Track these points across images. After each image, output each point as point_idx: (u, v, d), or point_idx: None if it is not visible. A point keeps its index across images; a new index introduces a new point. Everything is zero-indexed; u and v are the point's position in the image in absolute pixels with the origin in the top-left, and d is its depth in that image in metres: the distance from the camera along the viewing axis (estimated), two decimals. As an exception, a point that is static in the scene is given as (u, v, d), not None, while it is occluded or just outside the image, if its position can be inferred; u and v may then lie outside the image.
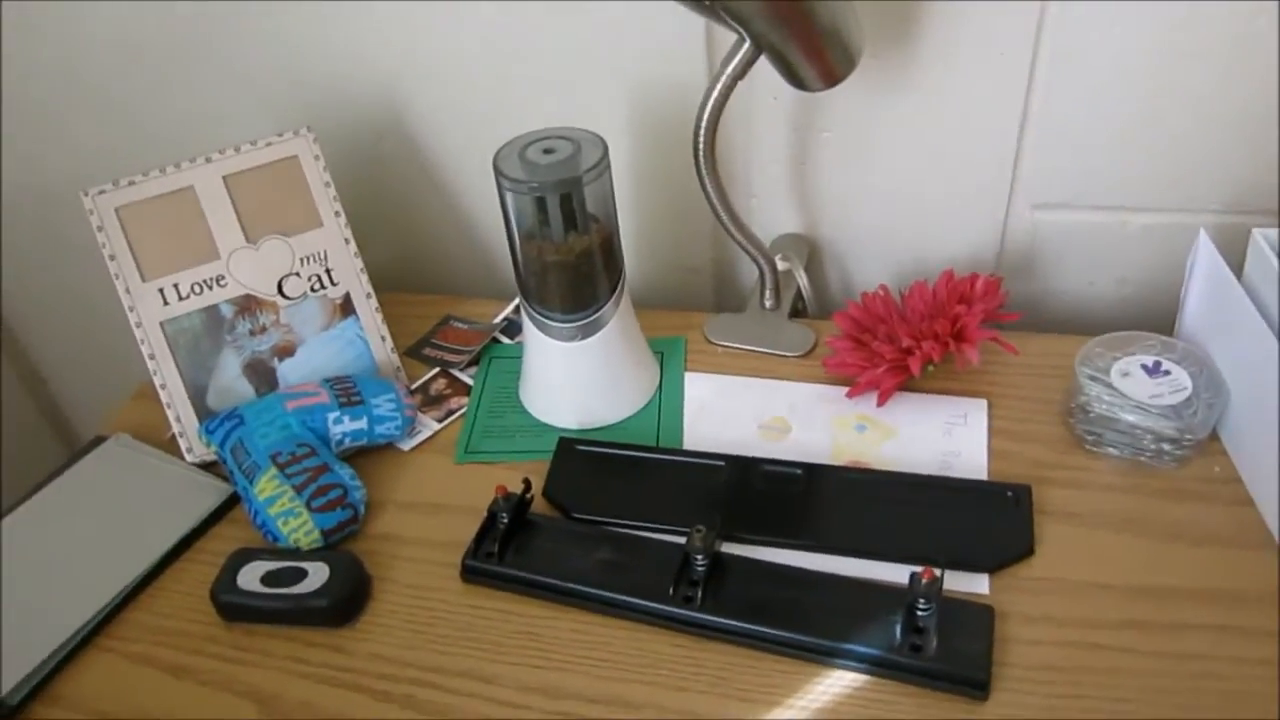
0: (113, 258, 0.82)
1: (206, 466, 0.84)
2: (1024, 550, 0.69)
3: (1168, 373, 0.75)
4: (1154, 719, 0.60)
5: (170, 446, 0.85)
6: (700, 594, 0.67)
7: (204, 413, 0.84)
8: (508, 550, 0.72)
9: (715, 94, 0.71)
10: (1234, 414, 0.74)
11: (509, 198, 0.74)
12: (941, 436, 0.78)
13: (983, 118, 0.85)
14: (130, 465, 0.83)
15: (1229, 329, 0.74)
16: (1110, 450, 0.75)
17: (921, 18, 0.81)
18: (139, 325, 0.83)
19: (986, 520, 0.71)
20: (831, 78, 0.72)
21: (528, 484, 0.74)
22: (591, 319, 0.78)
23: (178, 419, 0.83)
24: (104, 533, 0.77)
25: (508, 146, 0.75)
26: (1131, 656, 0.64)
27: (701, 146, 0.74)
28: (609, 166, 0.73)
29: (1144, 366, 0.76)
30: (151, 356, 0.83)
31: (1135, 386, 0.74)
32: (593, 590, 0.69)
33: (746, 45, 0.68)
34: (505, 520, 0.72)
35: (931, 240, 0.93)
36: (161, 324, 0.83)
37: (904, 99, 0.85)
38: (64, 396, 1.30)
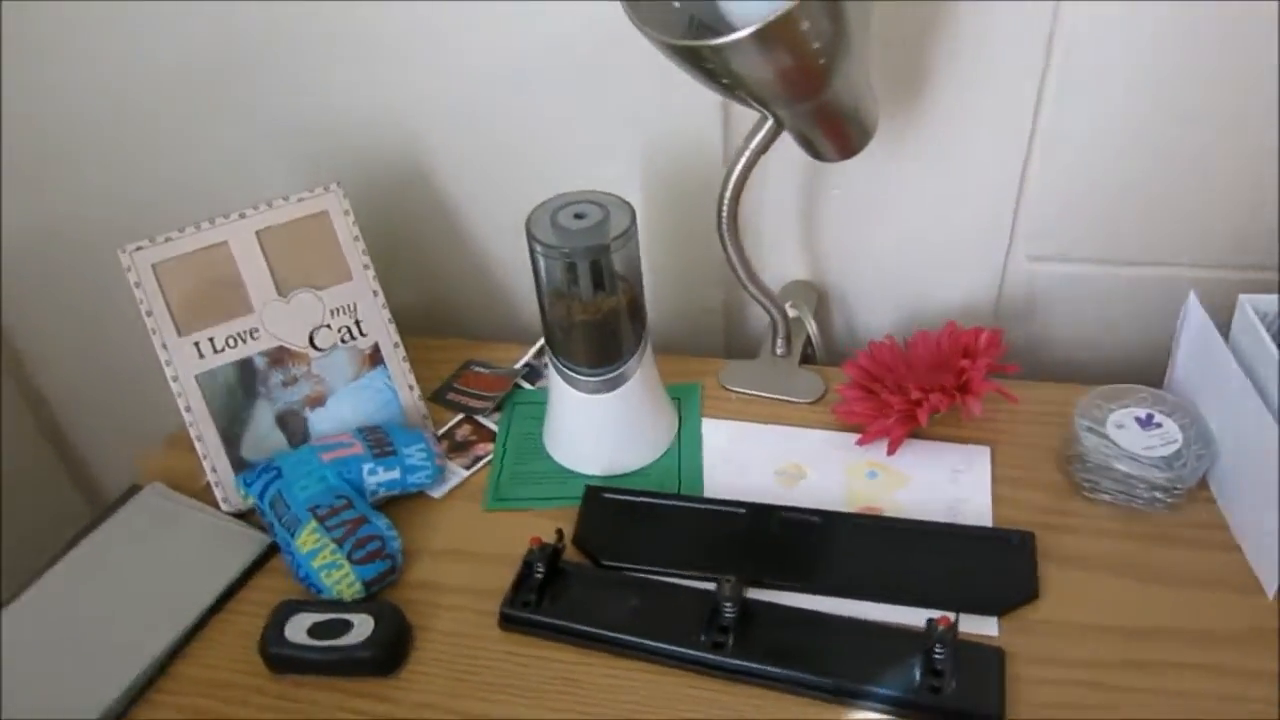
0: (150, 313, 0.85)
1: (241, 516, 0.86)
2: (1029, 594, 0.74)
3: (1159, 425, 0.80)
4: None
5: (204, 495, 0.88)
6: (731, 640, 0.71)
7: (238, 463, 0.87)
8: (544, 598, 0.75)
9: (739, 168, 0.75)
10: (1221, 465, 0.79)
11: (540, 261, 0.78)
12: (948, 484, 0.83)
13: (985, 176, 0.90)
14: (168, 516, 0.86)
15: (1216, 386, 0.79)
16: (1105, 497, 0.80)
17: (930, 85, 0.86)
18: (175, 379, 0.85)
19: (994, 565, 0.76)
20: (847, 152, 0.77)
21: (561, 534, 0.78)
22: (617, 373, 0.82)
23: (213, 469, 0.86)
24: (148, 584, 0.80)
25: (539, 209, 0.78)
26: (1132, 695, 0.68)
27: (725, 216, 0.78)
28: (636, 232, 0.77)
29: (1137, 419, 0.81)
30: (188, 409, 0.85)
31: (1129, 438, 0.79)
32: (628, 637, 0.73)
33: (769, 123, 0.72)
34: (541, 570, 0.76)
35: (933, 289, 0.97)
36: (197, 377, 0.86)
37: (911, 159, 0.89)
38: (83, 444, 1.31)
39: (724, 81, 0.67)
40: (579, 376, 0.82)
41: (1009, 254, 0.94)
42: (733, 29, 0.61)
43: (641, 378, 0.83)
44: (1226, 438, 0.79)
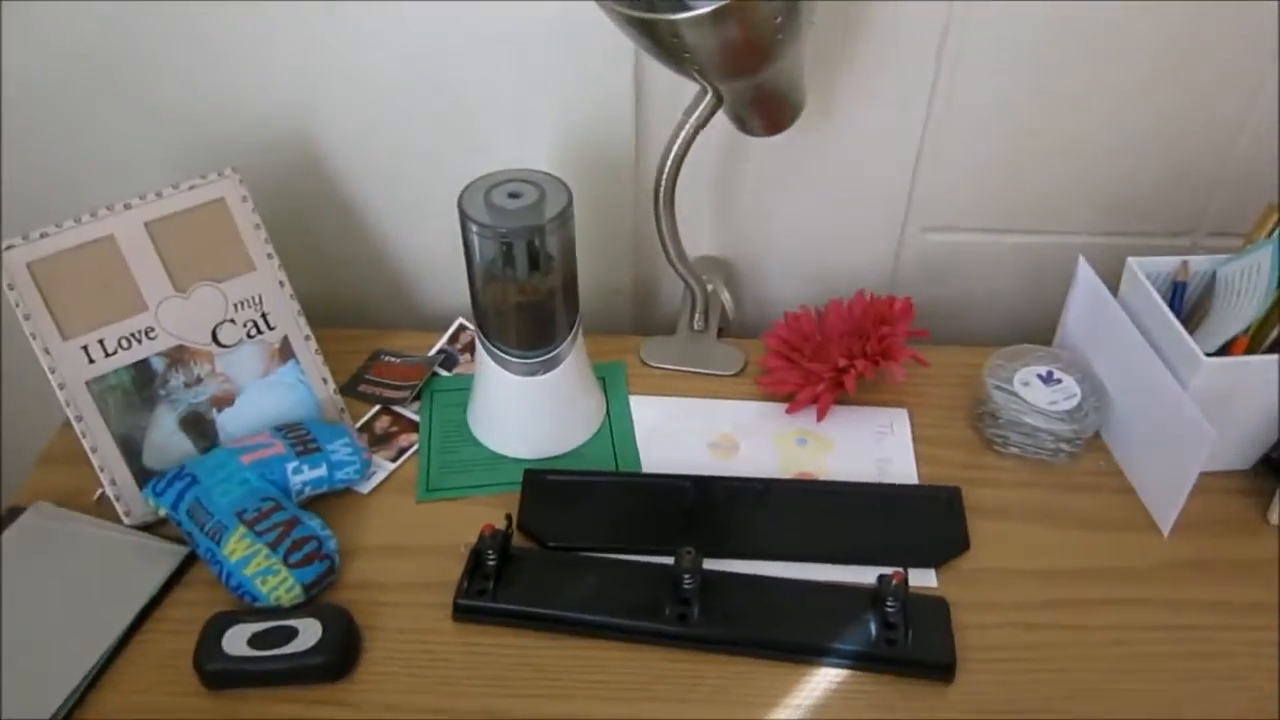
0: (28, 317, 0.77)
1: (146, 528, 0.80)
2: (961, 546, 0.79)
3: (1059, 381, 0.86)
4: (1086, 682, 0.70)
5: (98, 511, 0.81)
6: (696, 610, 0.72)
7: (140, 473, 0.80)
8: (498, 585, 0.74)
9: (679, 142, 0.76)
10: (1114, 415, 0.86)
11: (474, 241, 0.75)
12: (874, 445, 0.87)
13: (885, 152, 0.94)
14: (62, 536, 0.78)
15: (1107, 342, 0.86)
16: (1014, 450, 0.86)
17: (835, 65, 0.88)
18: (62, 387, 0.78)
19: (927, 521, 0.80)
20: (776, 129, 0.78)
21: (510, 519, 0.76)
22: (551, 355, 0.81)
23: (112, 482, 0.79)
24: (52, 613, 0.73)
25: (472, 188, 0.76)
26: (1059, 631, 0.74)
27: (663, 192, 0.78)
28: (573, 212, 0.76)
29: (1039, 376, 0.87)
30: (79, 418, 0.78)
31: (1035, 394, 0.85)
32: (591, 617, 0.72)
33: (709, 99, 0.73)
34: (494, 557, 0.74)
35: (837, 259, 1.01)
36: (88, 384, 0.78)
37: (819, 135, 0.92)
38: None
39: (677, 55, 0.67)
40: (512, 359, 0.81)
41: (905, 225, 0.98)
42: (689, 5, 0.61)
43: (574, 359, 0.83)
44: (1118, 389, 0.86)
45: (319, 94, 0.91)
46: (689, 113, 0.75)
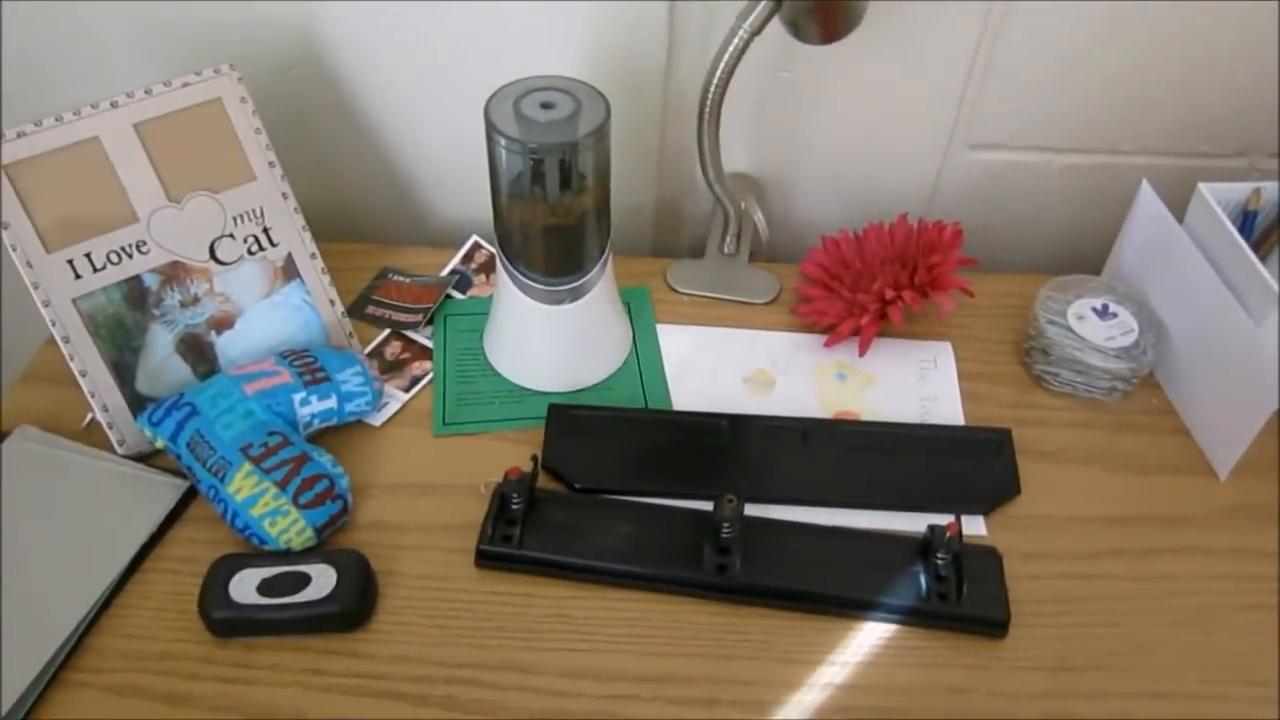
0: (6, 226, 0.69)
1: (141, 458, 0.74)
2: (1013, 491, 0.74)
3: (1115, 315, 0.81)
4: (1144, 636, 0.67)
5: (87, 438, 0.75)
6: (737, 561, 0.67)
7: (134, 399, 0.74)
8: (524, 531, 0.69)
9: (731, 49, 0.68)
10: (1170, 352, 0.81)
11: (501, 155, 0.68)
12: (916, 382, 0.82)
13: (935, 62, 0.86)
14: (50, 464, 0.73)
15: (1167, 273, 0.81)
16: (1066, 388, 0.81)
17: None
18: (47, 304, 0.71)
19: (975, 464, 0.76)
20: (832, 37, 0.71)
21: (536, 460, 0.71)
22: (580, 282, 0.74)
23: (104, 408, 0.73)
24: (43, 548, 0.68)
25: (499, 96, 0.68)
26: (1115, 583, 0.70)
27: (710, 104, 0.71)
28: (609, 127, 0.69)
29: (1094, 310, 0.81)
30: (66, 339, 0.72)
31: (1090, 329, 0.80)
32: (626, 567, 0.68)
33: (766, 1, 0.65)
34: (519, 501, 0.69)
35: (873, 179, 0.94)
36: (75, 301, 0.72)
37: (863, 43, 0.84)
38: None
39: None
40: (537, 285, 0.74)
41: (950, 143, 0.92)
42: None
43: (603, 286, 0.76)
44: (1176, 324, 0.81)
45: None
46: (743, 17, 0.67)
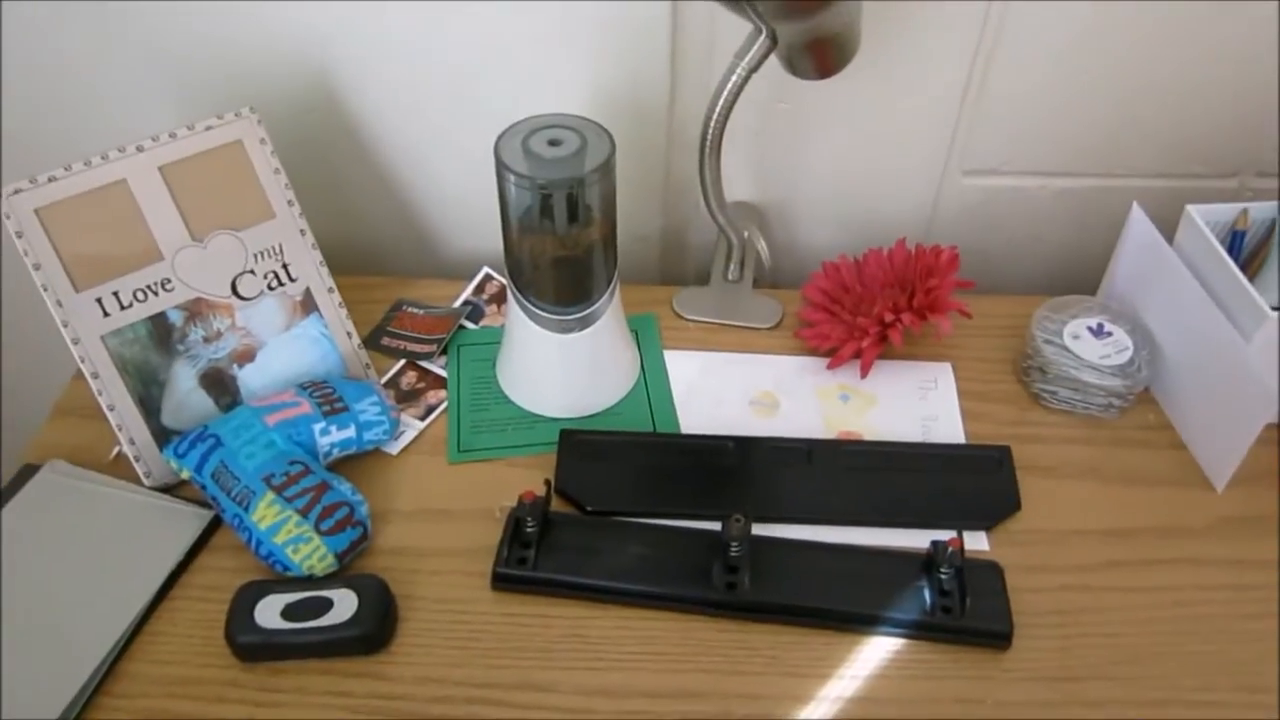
0: (38, 267, 0.72)
1: (167, 489, 0.77)
2: (1013, 507, 0.76)
3: (1110, 334, 0.83)
4: (1145, 646, 0.69)
5: (115, 470, 0.78)
6: (746, 579, 0.69)
7: (159, 432, 0.76)
8: (539, 554, 0.71)
9: (730, 86, 0.71)
10: (1165, 369, 0.83)
11: (511, 191, 0.71)
12: (918, 402, 0.84)
13: (930, 91, 0.89)
14: (80, 496, 0.75)
15: (1159, 292, 0.83)
16: (1063, 406, 0.83)
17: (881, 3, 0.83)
18: (76, 341, 0.73)
19: (976, 481, 0.78)
20: (827, 72, 0.74)
21: (549, 484, 0.73)
22: (589, 311, 0.77)
23: (131, 441, 0.76)
24: (76, 576, 0.70)
25: (508, 134, 0.71)
26: (1115, 594, 0.72)
27: (710, 137, 0.74)
28: (615, 162, 0.71)
29: (1089, 329, 0.84)
30: (95, 375, 0.74)
31: (1086, 348, 0.82)
32: (638, 586, 0.70)
33: (763, 40, 0.68)
34: (533, 524, 0.71)
35: (871, 205, 0.97)
36: (103, 338, 0.74)
37: (860, 75, 0.87)
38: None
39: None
40: (547, 315, 0.77)
41: (945, 170, 0.94)
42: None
43: (611, 315, 0.79)
44: (1170, 342, 0.83)
45: (336, 26, 0.85)
46: (740, 55, 0.70)
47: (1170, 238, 0.83)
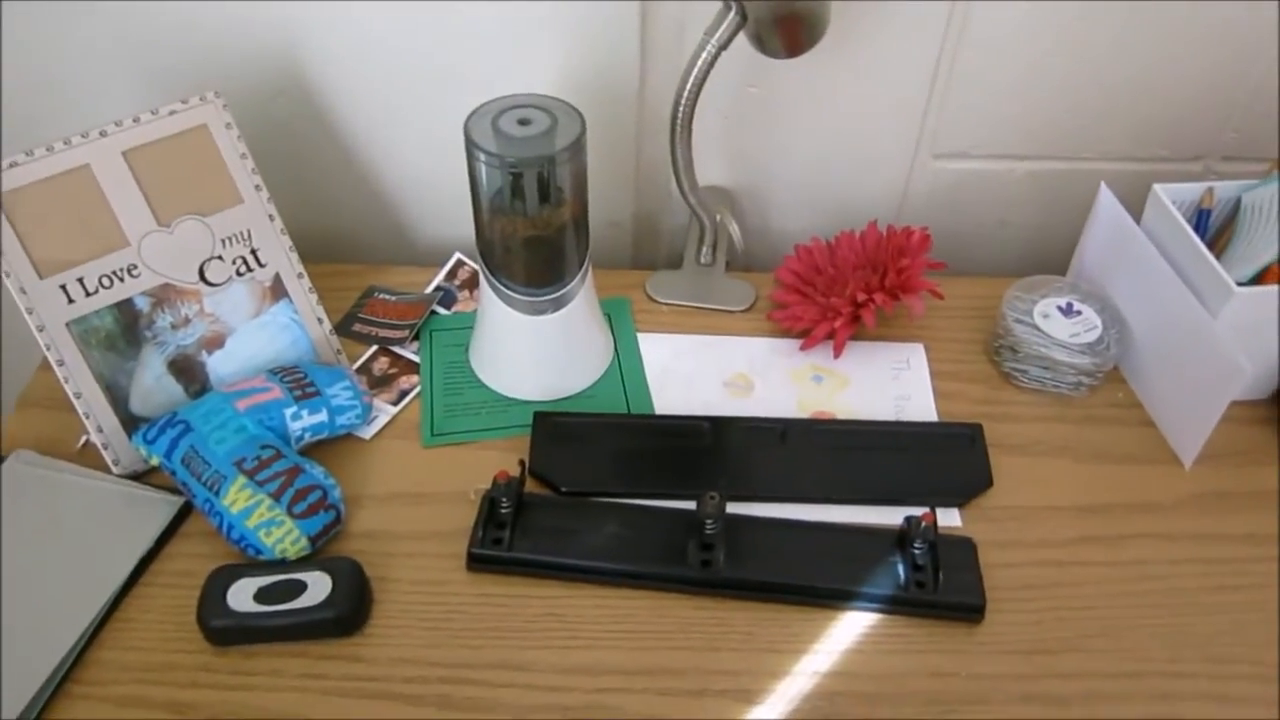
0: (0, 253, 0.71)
1: (136, 477, 0.76)
2: (985, 483, 0.77)
3: (1079, 313, 0.84)
4: (1116, 619, 0.69)
5: (81, 459, 0.77)
6: (721, 556, 0.69)
7: (128, 419, 0.76)
8: (514, 534, 0.71)
9: (699, 64, 0.71)
10: (1133, 347, 0.84)
11: (481, 171, 0.71)
12: (890, 382, 0.84)
13: (898, 76, 0.89)
14: (47, 486, 0.74)
15: (1128, 271, 0.84)
16: (1034, 384, 0.84)
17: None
18: (41, 329, 0.73)
19: (950, 459, 0.78)
20: (797, 50, 0.74)
21: (523, 465, 0.73)
22: (561, 293, 0.77)
23: (99, 429, 0.75)
24: (44, 565, 0.69)
25: (478, 114, 0.71)
26: (1086, 568, 0.73)
27: (680, 118, 0.74)
28: (585, 141, 0.71)
29: (1059, 308, 0.84)
30: (61, 362, 0.73)
31: (1056, 327, 0.83)
32: (613, 565, 0.70)
33: (732, 17, 0.68)
34: (508, 505, 0.71)
35: (842, 189, 0.97)
36: (68, 325, 0.73)
37: (830, 58, 0.87)
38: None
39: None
40: (519, 297, 0.77)
41: (916, 153, 0.95)
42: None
43: (583, 296, 0.79)
44: (1138, 321, 0.84)
45: (304, 9, 0.84)
46: (710, 32, 0.70)
47: (1138, 220, 0.84)
